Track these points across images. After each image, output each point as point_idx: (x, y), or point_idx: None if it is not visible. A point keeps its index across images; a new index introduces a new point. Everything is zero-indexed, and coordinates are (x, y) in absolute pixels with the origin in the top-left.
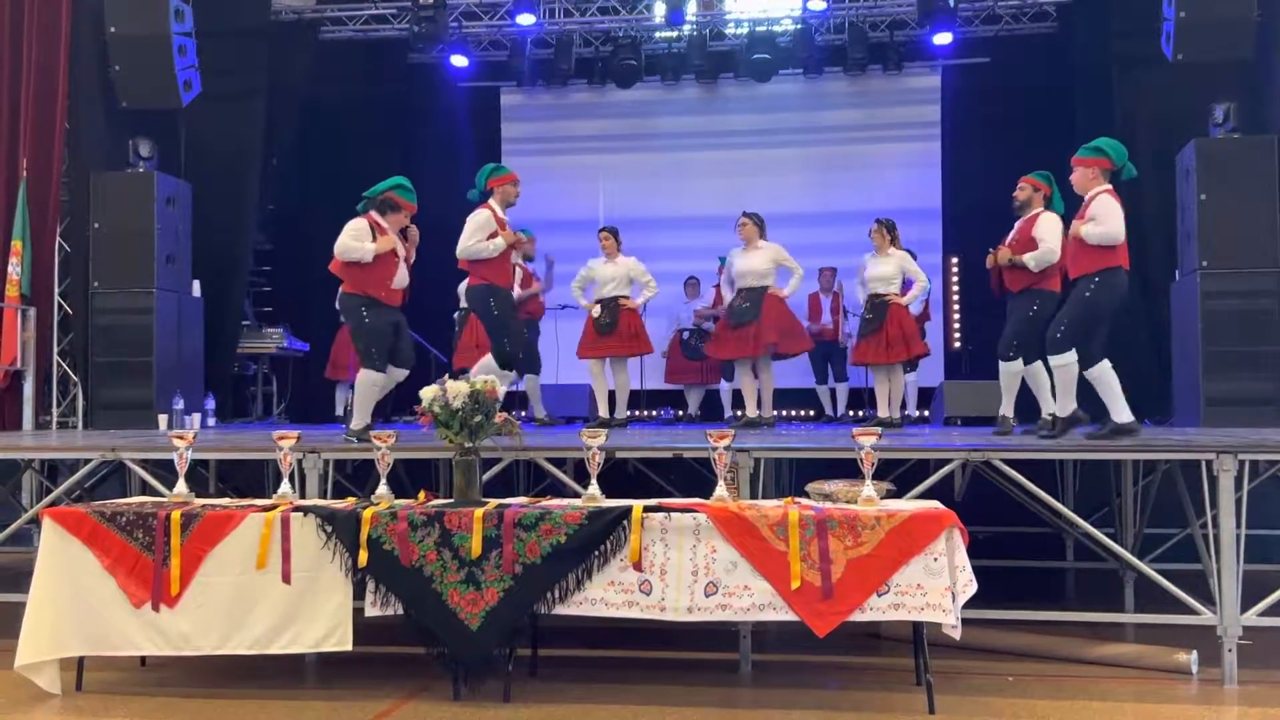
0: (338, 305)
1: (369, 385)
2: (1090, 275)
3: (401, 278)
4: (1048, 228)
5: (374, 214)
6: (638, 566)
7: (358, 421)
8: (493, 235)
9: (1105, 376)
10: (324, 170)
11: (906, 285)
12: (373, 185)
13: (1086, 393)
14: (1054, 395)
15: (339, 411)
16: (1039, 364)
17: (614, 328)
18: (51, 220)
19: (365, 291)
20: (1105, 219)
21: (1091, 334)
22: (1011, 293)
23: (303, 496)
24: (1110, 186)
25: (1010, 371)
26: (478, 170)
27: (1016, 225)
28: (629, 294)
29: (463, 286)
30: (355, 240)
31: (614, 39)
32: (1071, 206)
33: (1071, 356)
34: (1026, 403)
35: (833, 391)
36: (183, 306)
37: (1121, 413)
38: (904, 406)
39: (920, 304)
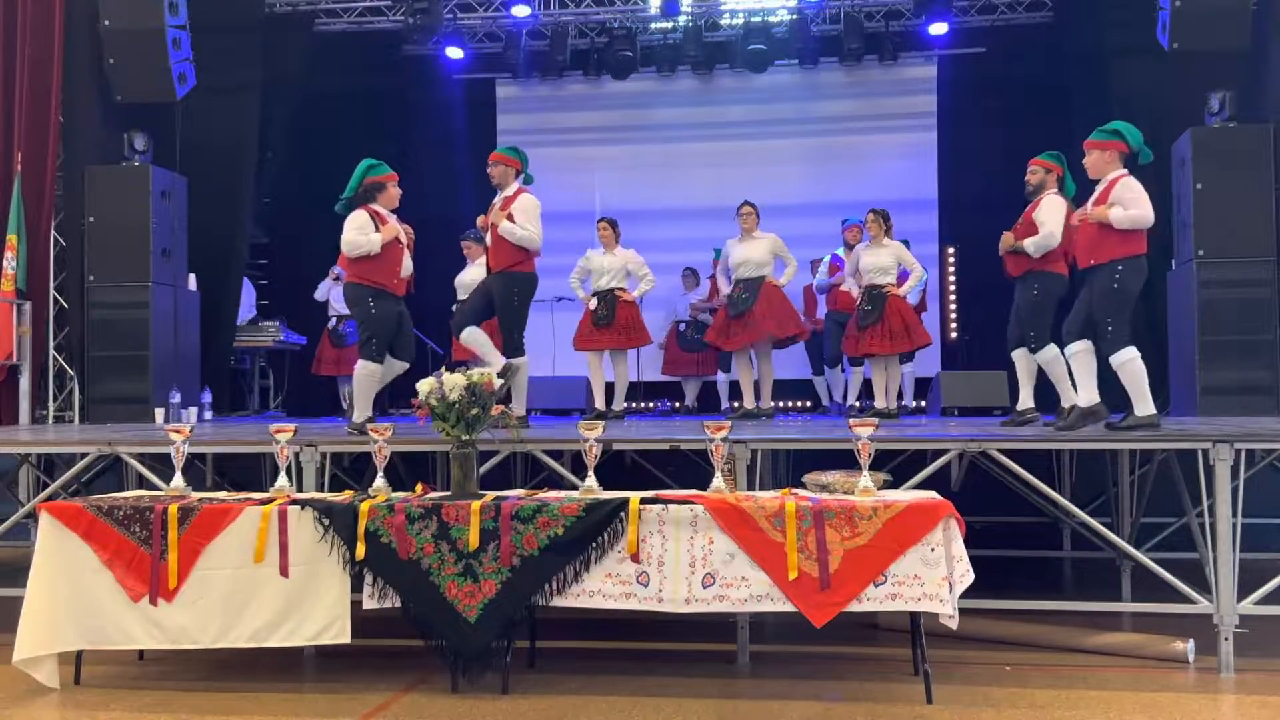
0: (344, 296)
1: (367, 377)
2: (1115, 262)
3: (407, 265)
4: (1049, 211)
5: (369, 205)
6: (635, 558)
7: (359, 415)
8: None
9: (1060, 363)
10: (319, 163)
11: (902, 276)
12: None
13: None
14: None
15: (345, 405)
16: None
17: (610, 320)
18: (46, 214)
19: (373, 281)
20: (1135, 203)
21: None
22: (1015, 277)
23: (300, 490)
24: (1127, 170)
25: (1040, 357)
26: (472, 162)
27: (1026, 209)
28: (626, 286)
29: (457, 279)
30: (360, 234)
31: (609, 30)
32: (1083, 189)
33: (1130, 353)
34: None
35: (830, 384)
36: (179, 300)
37: (1070, 394)
38: (901, 397)
39: (917, 294)
